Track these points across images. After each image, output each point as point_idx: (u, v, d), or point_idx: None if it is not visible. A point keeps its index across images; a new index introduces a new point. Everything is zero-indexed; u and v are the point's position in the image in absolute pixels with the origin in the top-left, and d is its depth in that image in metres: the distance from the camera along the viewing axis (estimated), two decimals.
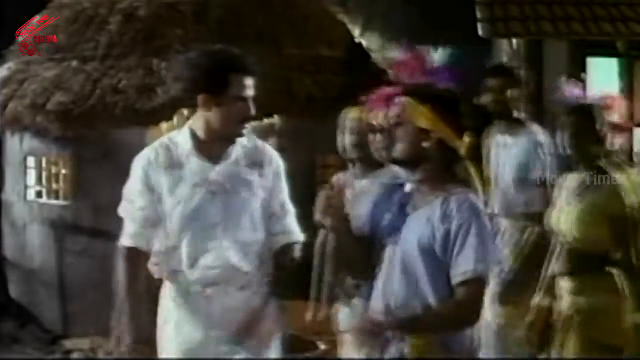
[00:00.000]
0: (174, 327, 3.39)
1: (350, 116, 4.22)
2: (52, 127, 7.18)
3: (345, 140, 4.25)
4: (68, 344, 7.43)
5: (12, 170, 8.14)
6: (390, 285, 3.12)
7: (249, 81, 3.28)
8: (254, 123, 3.87)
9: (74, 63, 7.41)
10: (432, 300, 3.04)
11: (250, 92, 3.29)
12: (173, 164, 3.36)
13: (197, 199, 3.33)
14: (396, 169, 3.70)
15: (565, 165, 4.56)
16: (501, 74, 5.26)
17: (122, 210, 3.47)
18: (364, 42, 8.78)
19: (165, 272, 3.41)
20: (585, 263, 4.07)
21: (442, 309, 3.02)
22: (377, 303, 3.14)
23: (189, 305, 3.36)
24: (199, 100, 3.29)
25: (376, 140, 4.02)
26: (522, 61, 7.38)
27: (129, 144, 7.27)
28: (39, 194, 8.03)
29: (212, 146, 3.36)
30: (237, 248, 3.36)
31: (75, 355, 7.22)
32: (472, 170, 3.23)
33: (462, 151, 3.13)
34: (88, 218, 7.46)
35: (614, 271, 4.10)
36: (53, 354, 7.30)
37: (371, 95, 3.64)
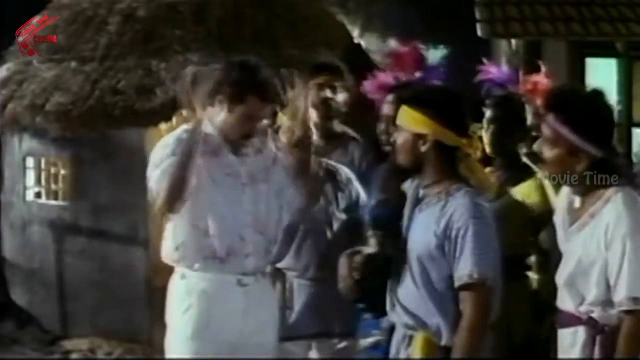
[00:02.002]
0: (199, 317, 3.45)
1: (319, 81, 4.04)
2: (51, 127, 7.17)
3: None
4: (67, 344, 7.42)
5: (11, 171, 8.13)
6: (400, 286, 3.14)
7: (266, 95, 3.51)
8: None
9: (73, 64, 7.40)
10: (432, 304, 3.03)
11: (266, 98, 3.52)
12: (206, 152, 3.50)
13: (230, 186, 3.51)
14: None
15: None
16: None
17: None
18: (363, 43, 8.78)
19: (193, 262, 3.48)
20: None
21: (466, 328, 2.97)
22: (390, 302, 3.18)
23: (224, 297, 3.46)
24: (216, 100, 3.49)
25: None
26: (521, 62, 7.39)
27: (128, 145, 7.28)
28: (38, 195, 8.01)
29: (237, 140, 3.56)
30: (265, 236, 3.60)
31: (74, 355, 7.22)
32: (477, 168, 3.24)
33: (468, 149, 3.10)
34: (87, 219, 7.45)
35: (531, 276, 3.90)
36: (52, 355, 7.30)
37: (367, 80, 3.67)
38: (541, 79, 4.04)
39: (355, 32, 8.92)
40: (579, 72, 7.46)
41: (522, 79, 4.01)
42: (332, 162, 4.11)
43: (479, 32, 7.22)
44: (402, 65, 3.73)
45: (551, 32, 7.31)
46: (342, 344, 3.92)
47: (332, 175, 4.03)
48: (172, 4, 7.54)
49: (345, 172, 4.07)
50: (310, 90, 4.00)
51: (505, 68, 4.08)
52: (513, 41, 7.61)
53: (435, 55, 3.75)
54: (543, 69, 3.98)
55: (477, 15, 7.32)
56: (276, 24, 7.61)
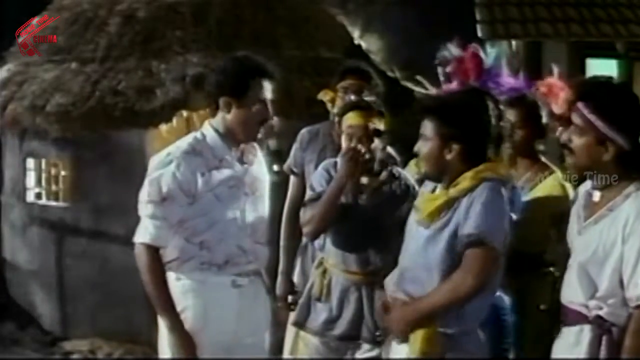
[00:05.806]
0: (195, 319, 3.45)
1: (350, 122, 3.81)
2: (52, 128, 7.18)
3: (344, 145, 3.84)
4: (67, 345, 7.42)
5: (12, 172, 8.13)
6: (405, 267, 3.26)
7: (268, 85, 3.47)
8: None
9: (74, 65, 7.41)
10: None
11: (268, 95, 3.48)
12: (210, 167, 3.47)
13: (233, 198, 3.49)
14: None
15: None
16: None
17: (144, 210, 3.48)
18: (363, 44, 8.78)
19: (191, 267, 3.48)
20: (523, 264, 3.76)
21: (450, 280, 3.09)
22: (394, 286, 3.28)
23: (219, 298, 3.47)
24: (221, 102, 3.46)
25: None
26: (521, 63, 7.39)
27: (128, 146, 7.28)
28: (38, 196, 8.02)
29: (242, 147, 3.55)
30: (262, 245, 3.64)
31: (74, 356, 7.22)
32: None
33: None
34: (88, 220, 7.45)
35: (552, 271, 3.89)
36: (53, 356, 7.30)
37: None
38: (555, 82, 3.97)
39: (355, 33, 8.92)
40: (580, 73, 7.45)
41: (537, 82, 3.95)
42: (399, 169, 4.01)
43: (479, 33, 7.23)
44: (465, 72, 3.73)
45: (551, 33, 7.32)
46: (373, 352, 3.82)
47: (394, 181, 3.90)
48: (173, 5, 7.55)
49: (408, 179, 3.94)
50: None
51: (520, 77, 4.02)
52: (513, 42, 7.62)
53: (491, 55, 3.77)
54: (556, 71, 3.97)
55: (478, 16, 7.33)
56: (276, 25, 7.62)
